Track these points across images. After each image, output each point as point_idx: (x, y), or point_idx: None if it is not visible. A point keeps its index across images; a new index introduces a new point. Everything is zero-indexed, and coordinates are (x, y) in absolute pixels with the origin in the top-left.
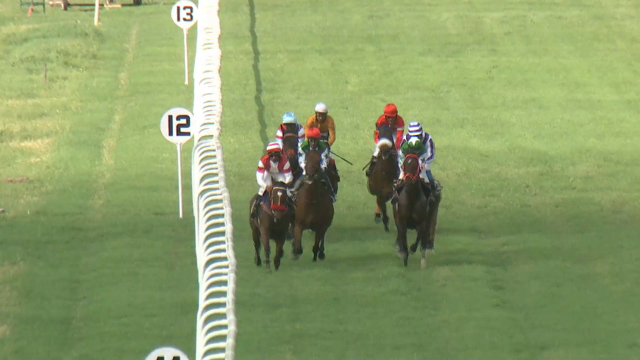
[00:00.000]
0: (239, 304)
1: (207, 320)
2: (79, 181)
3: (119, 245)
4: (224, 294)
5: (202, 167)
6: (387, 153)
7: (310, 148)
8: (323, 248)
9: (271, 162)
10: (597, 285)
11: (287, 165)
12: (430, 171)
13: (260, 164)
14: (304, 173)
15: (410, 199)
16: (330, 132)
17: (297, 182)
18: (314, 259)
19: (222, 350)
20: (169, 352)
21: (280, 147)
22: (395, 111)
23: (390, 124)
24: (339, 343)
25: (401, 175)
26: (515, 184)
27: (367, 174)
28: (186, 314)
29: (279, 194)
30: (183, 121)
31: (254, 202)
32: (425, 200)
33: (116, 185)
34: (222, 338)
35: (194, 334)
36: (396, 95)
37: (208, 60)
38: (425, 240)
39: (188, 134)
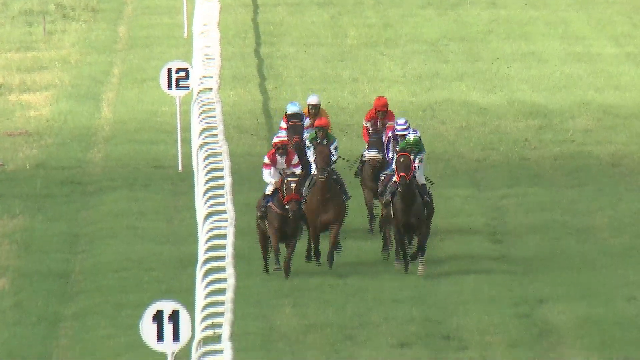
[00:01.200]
0: (238, 257)
1: (207, 273)
2: (78, 134)
3: (118, 198)
4: (223, 247)
5: (201, 120)
6: (376, 167)
7: (318, 140)
8: (337, 248)
9: (278, 157)
10: (596, 238)
11: (295, 159)
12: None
13: (266, 160)
14: (313, 170)
15: (406, 203)
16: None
17: (307, 181)
18: (330, 265)
19: (222, 303)
20: (168, 305)
21: (286, 139)
22: (385, 105)
23: (379, 118)
24: (339, 297)
25: (395, 177)
26: (514, 137)
27: (355, 175)
28: (185, 268)
29: (292, 184)
30: (182, 74)
31: (261, 203)
32: (422, 201)
33: (115, 139)
34: (222, 291)
35: (193, 288)
36: (395, 48)
37: (207, 13)
38: (423, 246)
39: (187, 87)
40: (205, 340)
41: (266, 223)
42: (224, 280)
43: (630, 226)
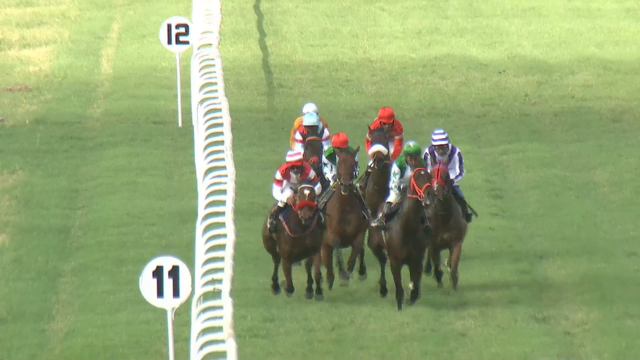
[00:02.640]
0: (238, 212)
1: (207, 229)
2: (78, 90)
3: (117, 154)
4: (223, 203)
5: (201, 75)
6: (381, 162)
7: (337, 157)
8: (363, 259)
9: (292, 174)
10: (596, 194)
11: (312, 173)
12: (459, 187)
13: (278, 176)
14: (331, 184)
15: (407, 227)
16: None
17: (325, 195)
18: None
19: (222, 259)
20: (168, 261)
21: (302, 158)
22: (392, 116)
23: (386, 130)
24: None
25: (392, 197)
26: (514, 92)
27: (361, 188)
28: (185, 223)
29: (306, 191)
30: (182, 30)
31: (272, 216)
32: (424, 227)
33: (115, 94)
34: (222, 247)
35: (193, 243)
36: (395, 3)
37: None
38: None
39: (187, 42)
40: (205, 296)
41: (276, 236)
42: (224, 235)
43: (631, 181)
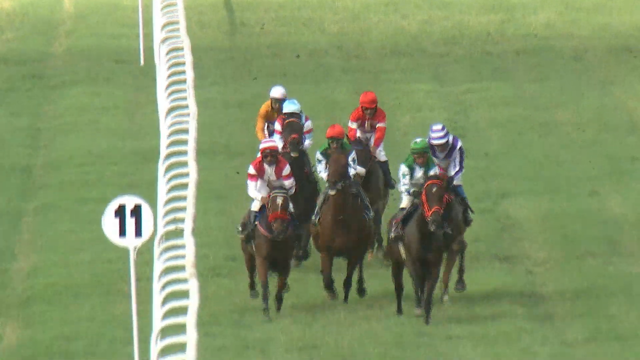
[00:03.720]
0: (200, 152)
1: (169, 168)
2: (40, 28)
3: (79, 93)
4: (185, 142)
5: (164, 14)
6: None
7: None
8: (362, 281)
9: (266, 166)
10: (559, 133)
11: (287, 169)
12: (461, 186)
13: (251, 170)
14: (326, 184)
15: (423, 234)
16: None
17: (320, 197)
18: (345, 298)
19: (183, 198)
20: (130, 200)
21: (277, 145)
22: (374, 100)
23: (368, 118)
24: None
25: (404, 201)
26: (476, 31)
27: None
28: (147, 162)
29: (279, 200)
30: None
31: (247, 222)
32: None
33: (77, 33)
34: (184, 186)
35: (155, 182)
36: None
37: None
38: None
39: None
40: (168, 235)
41: (253, 246)
42: (186, 175)
43: (593, 121)
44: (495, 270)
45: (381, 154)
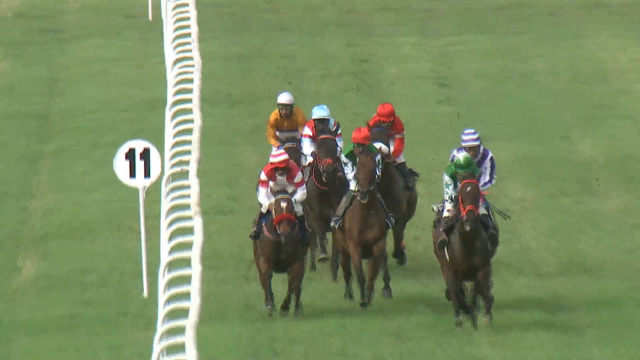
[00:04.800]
0: (203, 100)
1: (175, 115)
2: None
3: (92, 45)
4: (189, 91)
5: None
6: (382, 161)
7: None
8: (389, 278)
9: (277, 175)
10: (535, 82)
11: (298, 176)
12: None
13: (263, 176)
14: (351, 187)
15: (468, 241)
16: (300, 130)
17: (344, 199)
18: (369, 301)
19: (189, 142)
20: (139, 144)
21: (287, 158)
22: (392, 113)
23: (386, 130)
24: None
25: (447, 208)
26: None
27: None
28: (155, 110)
29: (283, 204)
30: None
31: (256, 220)
32: (487, 236)
33: None
34: (188, 132)
35: (162, 128)
36: None
37: None
38: (486, 291)
39: None
40: (174, 177)
41: (258, 245)
42: (191, 121)
43: (566, 71)
44: None
45: (400, 157)
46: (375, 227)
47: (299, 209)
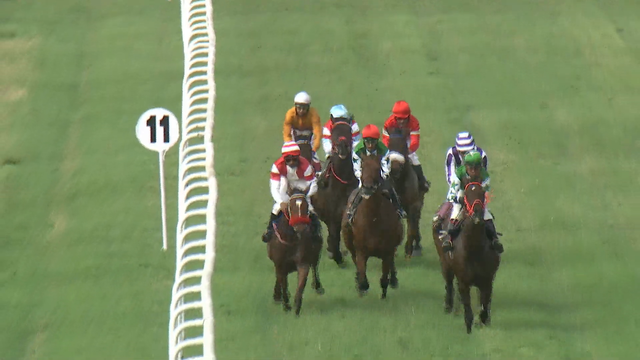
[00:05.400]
0: (217, 72)
1: (191, 86)
2: None
3: (117, 23)
4: (205, 64)
5: None
6: (397, 173)
7: (368, 152)
8: (395, 272)
9: (288, 167)
10: (515, 56)
11: (308, 170)
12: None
13: (274, 169)
14: (360, 185)
15: (473, 245)
16: (314, 128)
17: (352, 197)
18: (383, 294)
19: (204, 111)
20: (159, 112)
21: (298, 148)
22: (407, 110)
23: (401, 127)
24: None
25: (455, 212)
26: None
27: None
28: (173, 81)
29: (298, 202)
30: None
31: (269, 222)
32: (491, 244)
33: None
34: (204, 101)
35: (180, 98)
36: None
37: None
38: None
39: None
40: (190, 141)
41: (269, 249)
42: (206, 91)
43: (543, 46)
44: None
45: (415, 158)
46: (386, 227)
47: (311, 207)
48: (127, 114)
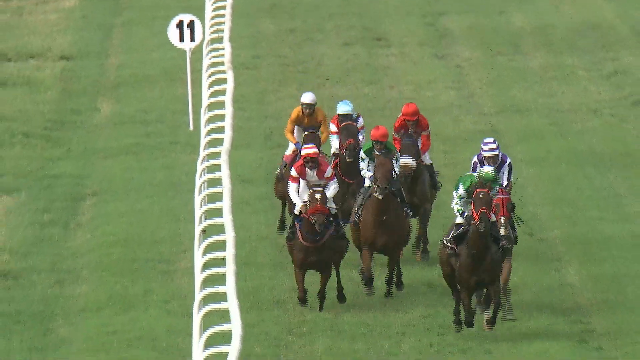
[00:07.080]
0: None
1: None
2: None
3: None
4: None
5: None
6: (408, 177)
7: (376, 152)
8: (400, 275)
9: (307, 170)
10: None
11: (329, 171)
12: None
13: (293, 172)
14: (367, 183)
15: (478, 252)
16: (321, 127)
17: (360, 196)
18: (387, 293)
19: (223, 16)
20: (187, 17)
21: (317, 150)
22: (416, 112)
23: (411, 128)
24: None
25: (458, 219)
26: None
27: None
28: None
29: (317, 196)
30: None
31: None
32: (497, 249)
33: None
34: (223, 8)
35: (203, 5)
36: None
37: None
38: (498, 302)
39: None
40: (212, 41)
41: (290, 245)
42: None
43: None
44: (435, 65)
45: (426, 158)
46: (392, 227)
47: (332, 205)
48: (160, 19)
